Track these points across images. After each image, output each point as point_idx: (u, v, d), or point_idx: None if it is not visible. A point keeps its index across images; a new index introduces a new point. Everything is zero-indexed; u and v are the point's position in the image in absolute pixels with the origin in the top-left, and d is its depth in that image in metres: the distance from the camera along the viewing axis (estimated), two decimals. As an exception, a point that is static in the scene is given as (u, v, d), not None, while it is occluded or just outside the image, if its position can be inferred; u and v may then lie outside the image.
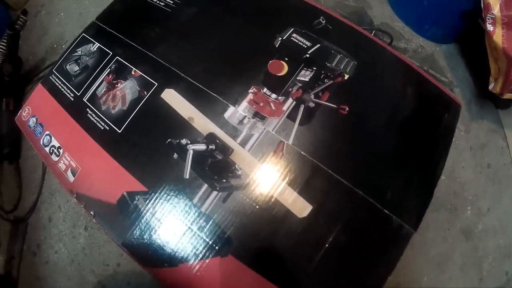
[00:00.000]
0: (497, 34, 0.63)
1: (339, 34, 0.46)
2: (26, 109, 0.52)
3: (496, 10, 0.63)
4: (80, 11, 0.75)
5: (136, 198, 0.40)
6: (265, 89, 0.40)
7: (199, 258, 0.37)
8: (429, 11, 0.73)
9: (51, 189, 0.66)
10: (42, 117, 0.50)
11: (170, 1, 0.50)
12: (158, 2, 0.50)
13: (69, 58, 0.52)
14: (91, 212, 0.42)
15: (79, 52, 0.52)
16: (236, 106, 0.39)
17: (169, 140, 0.39)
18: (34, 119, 0.50)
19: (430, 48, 0.75)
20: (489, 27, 0.64)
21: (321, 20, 0.45)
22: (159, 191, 0.39)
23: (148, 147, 0.41)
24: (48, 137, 0.48)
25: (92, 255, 0.61)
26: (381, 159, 0.41)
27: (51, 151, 0.47)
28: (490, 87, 0.68)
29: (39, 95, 0.52)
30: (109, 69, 0.47)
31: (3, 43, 0.71)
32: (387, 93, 0.44)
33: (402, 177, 0.41)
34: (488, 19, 0.63)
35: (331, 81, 0.41)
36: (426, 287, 0.59)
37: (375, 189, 0.39)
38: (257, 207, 0.36)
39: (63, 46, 0.74)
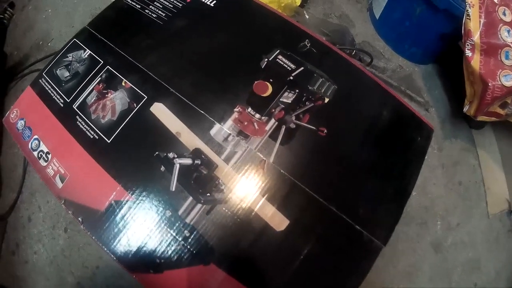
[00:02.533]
0: (475, 60, 0.70)
1: (322, 57, 0.50)
2: (14, 111, 0.54)
3: (476, 37, 0.69)
4: (67, 10, 0.77)
5: (123, 207, 0.44)
6: (249, 109, 0.44)
7: (183, 265, 0.42)
8: (410, 31, 0.80)
9: (32, 189, 0.69)
10: (30, 121, 0.53)
11: (162, 14, 0.53)
12: (150, 13, 0.54)
13: (59, 63, 0.55)
14: (79, 219, 0.46)
15: (70, 57, 0.55)
16: (222, 123, 0.44)
17: (156, 153, 0.43)
18: (22, 122, 0.53)
19: (408, 68, 0.82)
20: (468, 53, 0.70)
21: (306, 43, 0.50)
22: (146, 200, 0.43)
23: (136, 158, 0.45)
24: (36, 141, 0.51)
25: (72, 256, 0.64)
26: (355, 178, 0.46)
27: (39, 156, 0.50)
28: (465, 109, 0.75)
29: (28, 98, 0.55)
30: (99, 78, 0.51)
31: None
32: (363, 116, 0.49)
33: (374, 196, 0.47)
34: (468, 45, 0.70)
35: (312, 104, 0.46)
36: (396, 297, 0.66)
37: (348, 206, 0.44)
38: (238, 220, 0.41)
39: (49, 44, 0.76)
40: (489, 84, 0.68)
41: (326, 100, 0.47)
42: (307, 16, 0.72)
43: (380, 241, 0.44)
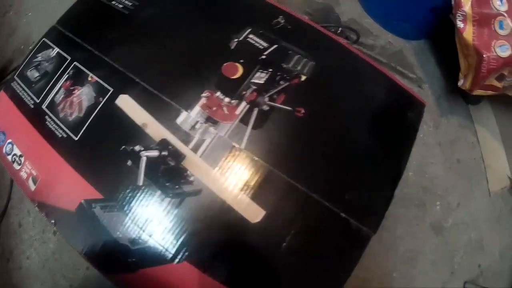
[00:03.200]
0: (468, 31, 0.64)
1: (298, 33, 0.47)
2: None
3: (467, 7, 0.64)
4: (48, 11, 0.76)
5: (93, 206, 0.41)
6: (218, 93, 0.41)
7: (155, 264, 0.39)
8: (399, 7, 0.74)
9: (20, 194, 0.69)
10: (4, 125, 0.52)
11: (128, 3, 0.51)
12: (116, 4, 0.51)
13: (30, 64, 0.53)
14: (52, 221, 0.44)
15: (39, 57, 0.53)
16: (189, 111, 0.41)
17: (123, 147, 0.41)
18: None
19: (398, 44, 0.77)
20: (460, 24, 0.65)
21: (280, 20, 0.46)
22: (115, 198, 0.41)
23: (103, 154, 0.43)
24: (10, 145, 0.50)
25: (62, 259, 0.64)
26: (338, 161, 0.42)
27: (13, 160, 0.49)
28: (460, 83, 0.70)
29: (1, 102, 0.54)
30: (67, 75, 0.48)
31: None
32: (346, 93, 0.45)
33: (361, 180, 0.43)
34: (459, 16, 0.64)
35: (287, 83, 0.42)
36: (397, 283, 0.62)
37: (331, 192, 0.40)
38: (210, 213, 0.38)
39: (30, 47, 0.74)
40: (484, 56, 0.63)
41: (303, 77, 0.43)
42: None
43: (369, 228, 0.40)
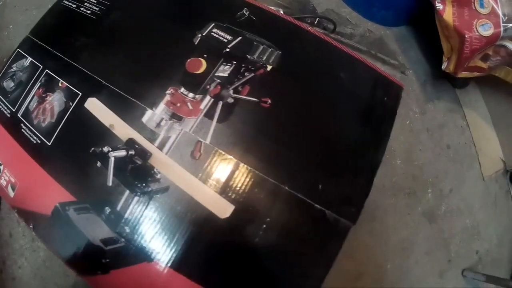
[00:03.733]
0: (448, 12, 0.63)
1: (263, 24, 0.47)
2: None
3: None
4: (27, 22, 0.78)
5: (67, 209, 0.42)
6: (182, 89, 0.41)
7: (128, 263, 0.39)
8: None
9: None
10: None
11: (95, 9, 0.51)
12: (85, 10, 0.52)
13: (6, 75, 0.54)
14: (31, 226, 0.44)
15: (14, 68, 0.54)
16: (154, 109, 0.41)
17: (92, 149, 0.41)
18: None
19: (379, 32, 0.76)
20: (439, 6, 0.64)
21: (244, 12, 0.46)
22: (87, 200, 0.41)
23: (75, 157, 0.43)
24: None
25: (53, 267, 0.64)
26: (309, 151, 0.42)
27: None
28: (443, 66, 0.68)
29: None
30: (39, 83, 0.49)
31: None
32: (315, 80, 0.45)
33: (335, 169, 0.42)
34: None
35: (253, 74, 0.42)
36: (391, 275, 0.60)
37: (304, 183, 0.40)
38: (178, 209, 0.38)
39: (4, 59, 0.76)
40: (466, 36, 0.62)
41: (269, 68, 0.43)
42: None
43: (347, 219, 0.39)
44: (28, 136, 0.47)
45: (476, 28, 0.63)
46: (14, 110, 0.50)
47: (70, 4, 0.55)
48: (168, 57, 0.45)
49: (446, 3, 0.64)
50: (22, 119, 0.49)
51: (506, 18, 0.65)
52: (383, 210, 0.62)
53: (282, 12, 0.53)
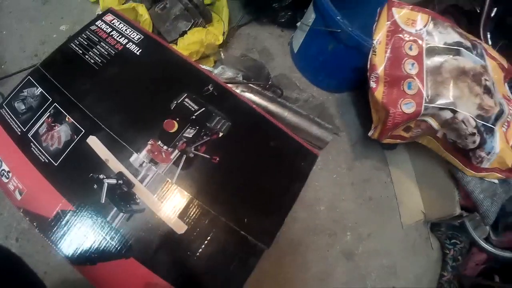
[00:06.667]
0: (379, 91, 0.97)
1: (222, 99, 0.78)
2: None
3: (380, 70, 0.97)
4: (21, 33, 1.03)
5: (67, 215, 0.75)
6: (159, 142, 0.74)
7: (110, 259, 0.70)
8: (324, 65, 1.08)
9: None
10: None
11: (98, 60, 0.82)
12: (89, 59, 0.83)
13: (17, 97, 0.84)
14: (34, 224, 0.77)
15: (25, 92, 0.85)
16: (138, 153, 0.72)
17: (91, 174, 0.74)
18: None
19: (322, 97, 1.10)
20: (372, 84, 0.98)
21: (209, 87, 0.80)
22: (83, 210, 0.72)
23: (76, 177, 0.74)
24: None
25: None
26: (242, 195, 0.74)
27: (2, 174, 0.80)
28: (370, 133, 1.03)
29: None
30: (48, 113, 0.81)
31: None
32: (252, 146, 0.77)
33: (258, 208, 0.75)
34: (372, 77, 0.98)
35: (208, 138, 0.76)
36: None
37: (235, 216, 0.70)
38: (150, 224, 0.71)
39: (2, 66, 1.00)
40: (390, 112, 0.94)
41: (221, 134, 0.79)
42: (222, 56, 1.03)
43: (263, 244, 0.73)
44: (37, 154, 0.79)
45: (400, 105, 0.91)
46: (24, 130, 0.81)
47: (77, 49, 0.86)
48: (152, 114, 0.75)
49: (379, 83, 0.93)
50: (32, 140, 0.80)
51: (428, 98, 0.95)
52: (305, 246, 0.88)
53: (241, 76, 0.89)
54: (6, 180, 0.78)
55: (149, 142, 0.73)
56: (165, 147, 0.72)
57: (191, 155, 0.73)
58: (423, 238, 1.07)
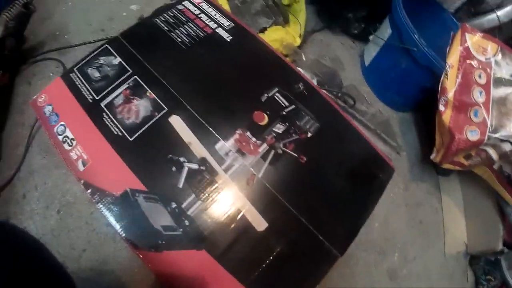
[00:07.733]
0: (447, 114, 1.01)
1: (311, 99, 0.77)
2: (43, 96, 0.78)
3: (450, 94, 1.01)
4: (87, 7, 1.01)
5: (137, 195, 0.70)
6: (248, 133, 0.71)
7: (179, 248, 0.64)
8: (394, 81, 1.11)
9: (31, 169, 0.89)
10: (58, 108, 0.76)
11: (186, 40, 0.79)
12: (176, 37, 0.80)
13: (91, 63, 0.80)
14: (95, 198, 0.70)
15: (101, 60, 0.80)
16: (225, 141, 0.69)
17: (170, 156, 0.69)
18: (50, 107, 0.77)
19: (387, 113, 1.13)
20: (442, 108, 1.01)
21: (300, 86, 0.78)
22: (157, 193, 0.69)
23: (153, 156, 0.70)
24: (62, 127, 0.75)
25: (61, 237, 0.84)
26: (324, 199, 0.72)
27: (64, 140, 0.74)
28: (432, 156, 1.06)
29: (57, 88, 0.78)
30: (127, 85, 0.76)
31: (8, 14, 0.96)
32: (336, 151, 0.75)
33: (337, 214, 0.73)
34: (442, 100, 1.01)
35: (297, 136, 0.74)
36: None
37: (315, 220, 0.68)
38: (228, 217, 0.68)
39: (66, 36, 0.97)
40: (456, 137, 0.97)
41: (309, 134, 0.76)
42: (304, 58, 1.03)
43: (337, 251, 0.70)
44: (110, 126, 0.73)
45: (465, 132, 0.95)
46: (97, 98, 0.76)
47: (162, 25, 0.84)
48: (241, 104, 0.73)
49: (448, 106, 0.97)
50: (105, 109, 0.74)
51: (492, 128, 0.97)
52: (356, 259, 0.92)
53: (315, 80, 0.87)
54: (68, 148, 0.73)
55: (238, 132, 0.70)
56: (253, 139, 0.70)
57: (279, 151, 0.70)
58: (461, 269, 1.09)
